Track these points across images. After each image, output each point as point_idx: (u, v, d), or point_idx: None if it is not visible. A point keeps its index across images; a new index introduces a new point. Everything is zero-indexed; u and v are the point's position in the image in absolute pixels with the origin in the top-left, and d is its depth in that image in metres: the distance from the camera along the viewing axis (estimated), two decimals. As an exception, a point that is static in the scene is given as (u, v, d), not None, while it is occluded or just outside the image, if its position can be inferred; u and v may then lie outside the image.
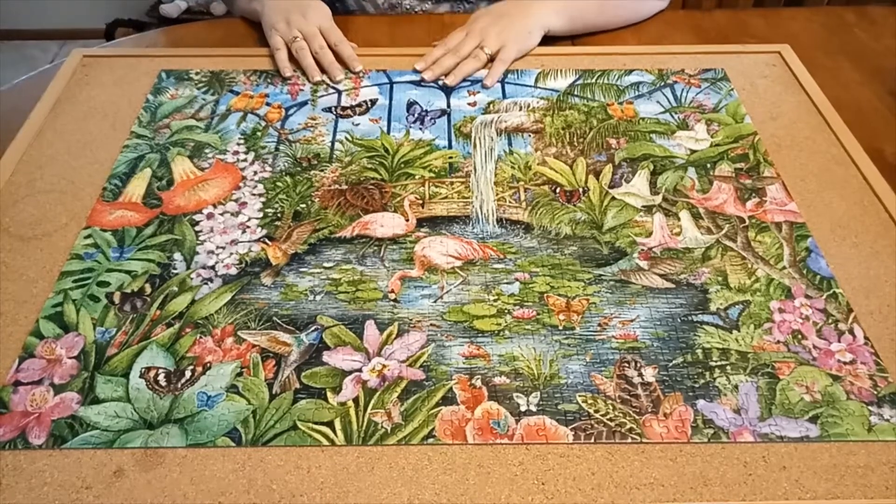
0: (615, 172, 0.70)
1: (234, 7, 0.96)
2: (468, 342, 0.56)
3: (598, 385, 0.53)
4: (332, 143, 0.74)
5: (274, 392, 0.52)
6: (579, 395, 0.52)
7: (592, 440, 0.50)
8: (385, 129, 0.75)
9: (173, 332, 0.56)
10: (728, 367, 0.54)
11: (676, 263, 0.61)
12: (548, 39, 0.86)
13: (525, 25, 0.84)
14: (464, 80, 0.81)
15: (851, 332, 0.56)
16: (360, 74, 0.82)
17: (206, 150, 0.73)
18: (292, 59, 0.83)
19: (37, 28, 2.49)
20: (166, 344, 0.55)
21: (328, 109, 0.78)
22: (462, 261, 0.62)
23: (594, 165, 0.71)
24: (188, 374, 0.53)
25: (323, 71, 0.82)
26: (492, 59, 0.82)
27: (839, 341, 0.55)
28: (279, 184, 0.69)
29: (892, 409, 0.51)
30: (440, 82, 0.81)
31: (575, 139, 0.74)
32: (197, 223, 0.65)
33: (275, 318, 0.57)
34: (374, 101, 0.79)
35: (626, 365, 0.54)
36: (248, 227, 0.65)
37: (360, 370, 0.54)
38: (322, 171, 0.70)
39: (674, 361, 0.54)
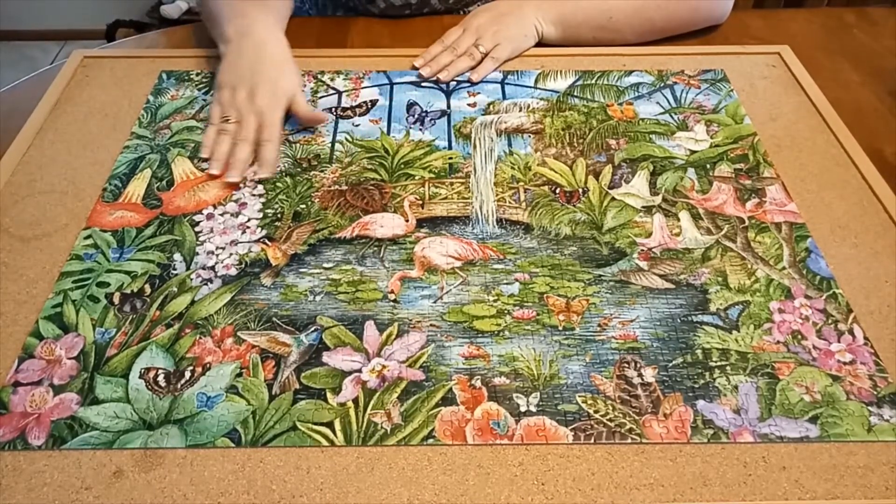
0: (615, 173, 0.70)
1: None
2: (468, 343, 0.56)
3: (598, 385, 0.53)
4: (332, 143, 0.74)
5: (273, 393, 0.52)
6: (579, 396, 0.52)
7: (592, 441, 0.50)
8: (385, 129, 0.76)
9: (173, 332, 0.56)
10: (728, 368, 0.54)
11: (676, 264, 0.61)
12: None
13: (522, 27, 0.84)
14: (457, 76, 0.81)
15: (851, 332, 0.56)
16: (249, 182, 0.69)
17: (206, 151, 0.73)
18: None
19: (37, 28, 2.49)
20: (166, 345, 0.55)
21: (328, 110, 0.78)
22: (462, 261, 0.62)
23: (594, 166, 0.71)
24: (188, 374, 0.53)
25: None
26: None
27: (839, 342, 0.55)
28: (279, 184, 0.69)
29: (891, 409, 0.51)
30: (434, 79, 0.81)
31: (575, 140, 0.74)
32: (197, 224, 0.65)
33: (274, 319, 0.57)
34: (374, 102, 0.79)
35: (626, 365, 0.54)
36: (248, 227, 0.65)
37: (359, 371, 0.54)
38: (322, 171, 0.71)
39: (674, 362, 0.54)
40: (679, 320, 0.57)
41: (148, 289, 0.59)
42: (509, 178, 0.70)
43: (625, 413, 0.51)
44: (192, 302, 0.58)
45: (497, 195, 0.68)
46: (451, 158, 0.72)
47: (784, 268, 0.61)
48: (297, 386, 0.53)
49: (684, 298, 0.59)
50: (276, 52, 0.75)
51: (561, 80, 0.81)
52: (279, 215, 0.66)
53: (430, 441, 0.50)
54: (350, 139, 0.74)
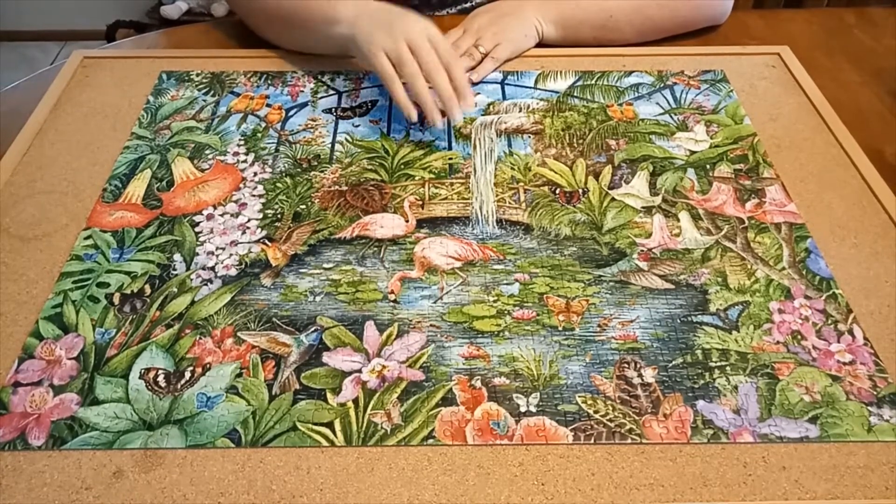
0: (615, 173, 0.70)
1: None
2: (468, 343, 0.56)
3: (598, 386, 0.53)
4: (332, 144, 0.74)
5: (273, 393, 0.52)
6: (579, 396, 0.52)
7: (592, 441, 0.50)
8: (385, 130, 0.76)
9: (173, 333, 0.56)
10: (728, 368, 0.54)
11: (676, 264, 0.61)
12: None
13: (522, 27, 0.84)
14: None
15: (851, 332, 0.56)
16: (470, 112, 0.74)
17: (207, 152, 0.73)
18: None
19: (37, 29, 2.49)
20: (166, 345, 0.55)
21: (328, 111, 0.78)
22: (462, 262, 0.62)
23: (594, 166, 0.71)
24: (188, 375, 0.53)
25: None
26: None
27: (839, 342, 0.55)
28: (279, 185, 0.69)
29: (891, 409, 0.51)
30: None
31: (575, 140, 0.74)
32: (197, 224, 0.65)
33: (274, 319, 0.57)
34: (374, 103, 0.79)
35: (626, 366, 0.54)
36: (248, 228, 0.65)
37: (359, 371, 0.54)
38: (322, 172, 0.71)
39: (673, 362, 0.54)
40: (679, 321, 0.57)
41: (148, 289, 0.59)
42: (509, 178, 0.70)
43: (625, 413, 0.51)
44: (192, 302, 0.58)
45: (497, 196, 0.68)
46: (451, 159, 0.72)
47: (784, 268, 0.61)
48: (297, 386, 0.53)
49: (684, 299, 0.59)
50: (392, 6, 0.76)
51: (561, 81, 0.81)
52: (279, 216, 0.66)
53: (430, 441, 0.50)
54: (350, 139, 0.74)
